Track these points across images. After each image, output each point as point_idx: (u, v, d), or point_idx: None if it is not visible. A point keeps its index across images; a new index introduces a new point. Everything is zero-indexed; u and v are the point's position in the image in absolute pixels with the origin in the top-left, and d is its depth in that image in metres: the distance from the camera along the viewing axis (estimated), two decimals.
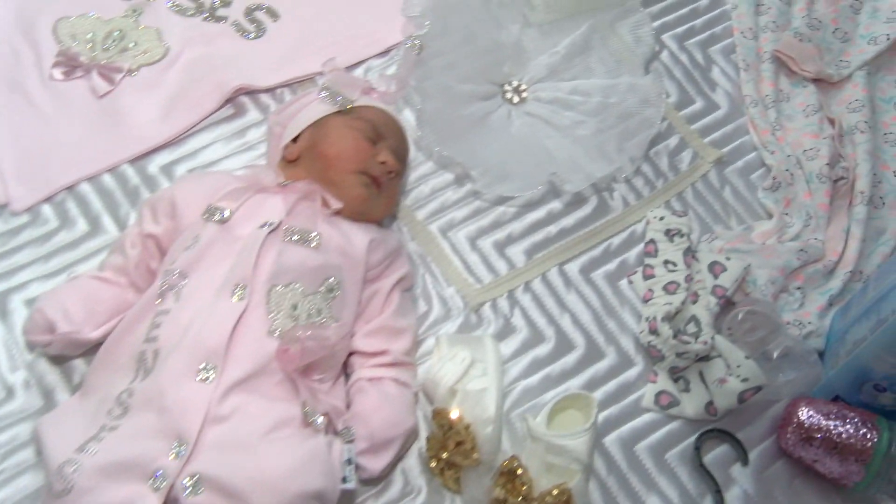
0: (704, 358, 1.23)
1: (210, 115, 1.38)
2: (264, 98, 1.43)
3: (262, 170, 1.20)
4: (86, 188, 1.31)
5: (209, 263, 1.07)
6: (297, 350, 1.01)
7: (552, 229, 1.37)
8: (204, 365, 0.98)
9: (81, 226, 1.28)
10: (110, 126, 1.34)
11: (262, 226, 1.09)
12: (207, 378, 0.98)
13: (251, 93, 1.42)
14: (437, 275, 1.31)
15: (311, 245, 1.08)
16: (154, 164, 1.35)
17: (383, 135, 1.21)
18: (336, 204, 1.15)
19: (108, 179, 1.32)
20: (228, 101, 1.40)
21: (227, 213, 1.10)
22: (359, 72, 1.47)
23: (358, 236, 1.15)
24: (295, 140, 1.23)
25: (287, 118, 1.26)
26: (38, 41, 1.38)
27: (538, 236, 1.36)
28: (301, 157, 1.20)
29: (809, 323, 1.28)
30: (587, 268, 1.35)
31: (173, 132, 1.35)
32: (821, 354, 1.26)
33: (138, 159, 1.34)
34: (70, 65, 1.37)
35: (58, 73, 1.37)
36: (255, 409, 0.98)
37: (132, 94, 1.37)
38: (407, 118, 1.40)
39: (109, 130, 1.33)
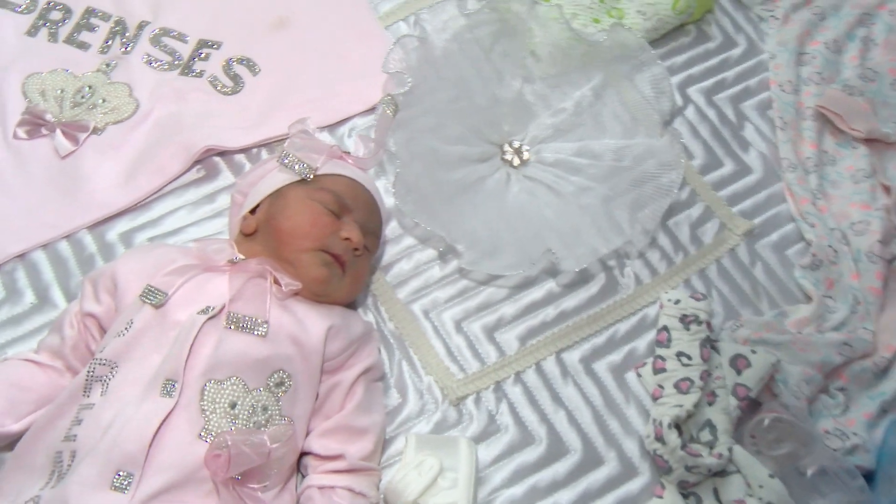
0: (721, 472, 1.08)
1: (177, 178, 1.32)
2: (240, 159, 1.36)
3: (218, 244, 1.11)
4: (38, 255, 1.26)
5: (141, 353, 1.00)
6: (225, 457, 0.92)
7: (550, 311, 1.27)
8: (120, 472, 0.91)
9: (28, 298, 1.23)
10: (70, 189, 1.30)
11: (203, 311, 1.02)
12: (123, 487, 0.90)
13: (224, 153, 1.36)
14: (416, 362, 1.22)
15: (257, 333, 1.02)
16: (113, 232, 1.29)
17: (349, 207, 1.14)
18: (291, 285, 1.07)
19: (63, 247, 1.27)
20: (198, 162, 1.34)
21: (162, 295, 1.03)
22: (342, 130, 1.39)
23: (315, 323, 1.07)
24: (253, 211, 1.16)
25: (248, 186, 1.19)
26: (5, 99, 1.35)
27: (534, 319, 1.27)
28: (258, 231, 1.14)
29: (855, 434, 1.14)
30: (589, 357, 1.25)
31: (135, 197, 1.30)
32: (868, 476, 1.10)
33: (97, 226, 1.29)
34: (35, 123, 1.34)
35: (21, 132, 1.33)
36: None
37: (96, 154, 1.33)
38: (382, 187, 1.33)
39: (69, 194, 1.29)
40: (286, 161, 1.14)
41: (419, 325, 1.24)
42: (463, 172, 1.31)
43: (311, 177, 1.14)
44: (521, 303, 1.27)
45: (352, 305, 1.22)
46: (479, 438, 1.15)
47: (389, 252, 1.30)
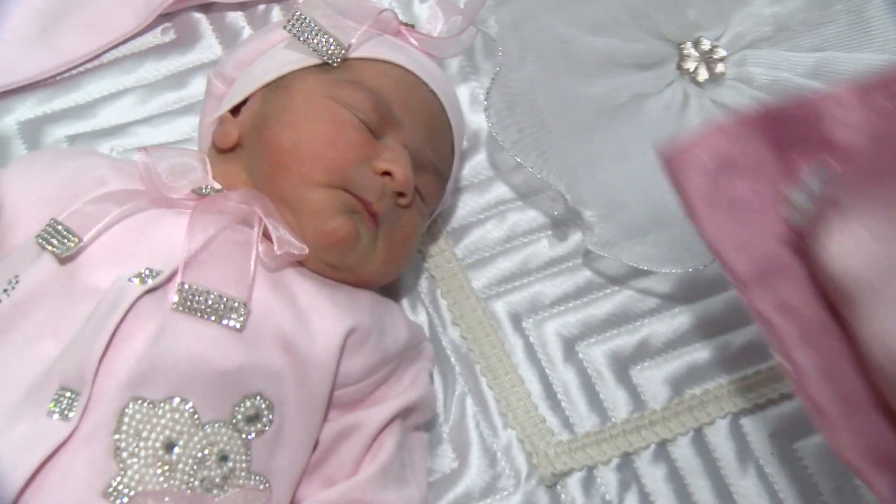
0: None
1: (127, 40, 1.28)
2: (235, 20, 1.30)
3: (179, 157, 1.07)
4: None
5: (25, 334, 0.96)
6: None
7: (731, 341, 1.17)
8: None
9: None
10: None
11: (138, 275, 0.96)
12: None
13: (211, 6, 1.29)
14: (489, 403, 1.15)
15: (227, 323, 0.96)
16: (10, 117, 1.24)
17: (396, 119, 1.07)
18: (290, 244, 1.00)
19: None
20: (165, 16, 1.28)
21: (73, 241, 0.97)
22: None
23: (326, 318, 1.00)
24: (237, 110, 1.10)
25: (235, 66, 1.14)
26: None
27: (699, 353, 1.18)
28: (242, 145, 1.08)
29: None
30: (789, 429, 1.16)
31: (53, 63, 1.26)
32: None
33: None
34: None
35: None
36: None
37: None
38: (468, 95, 1.27)
39: None
40: (298, 29, 1.07)
41: (502, 340, 1.17)
42: (609, 84, 1.22)
43: (339, 60, 1.07)
44: (680, 322, 1.19)
45: (391, 292, 1.13)
46: None
47: (465, 206, 1.23)
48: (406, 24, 1.16)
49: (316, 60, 1.08)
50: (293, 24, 1.08)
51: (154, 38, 1.29)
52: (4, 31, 1.27)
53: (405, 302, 1.19)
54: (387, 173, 1.05)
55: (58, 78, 1.26)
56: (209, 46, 1.30)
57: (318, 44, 1.08)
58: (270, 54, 1.12)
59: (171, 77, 1.27)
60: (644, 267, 1.17)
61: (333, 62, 1.08)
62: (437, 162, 1.12)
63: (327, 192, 1.03)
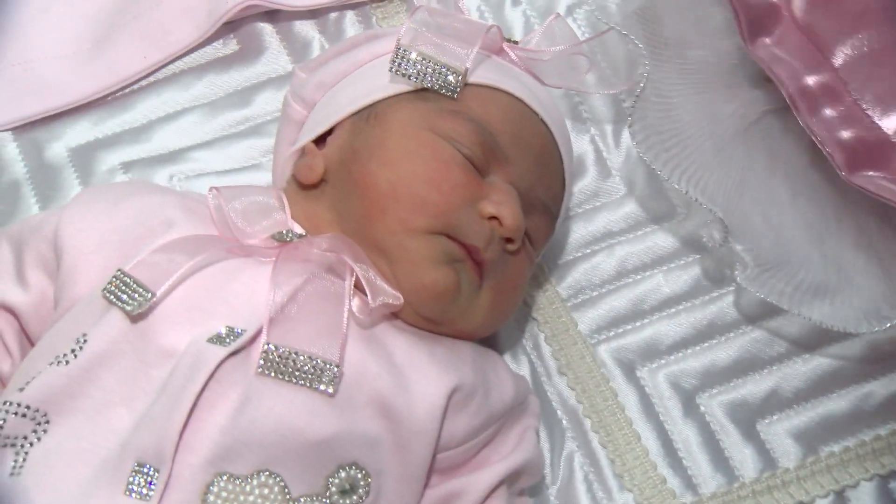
0: None
1: (185, 53, 1.27)
2: (303, 29, 1.30)
3: (254, 196, 1.05)
4: None
5: (96, 403, 0.94)
6: None
7: (872, 391, 1.16)
8: None
9: None
10: None
11: (217, 336, 0.95)
12: None
13: (276, 15, 1.30)
14: (602, 462, 1.13)
15: (319, 387, 0.94)
16: (62, 142, 1.23)
17: (505, 153, 1.06)
18: (384, 294, 0.99)
19: None
20: (229, 25, 1.28)
21: (145, 297, 0.96)
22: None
23: (427, 377, 0.99)
24: (322, 140, 1.08)
25: (316, 87, 1.12)
26: None
27: (836, 405, 1.16)
28: (329, 181, 1.06)
29: None
30: None
31: (107, 81, 1.25)
32: None
33: (28, 127, 1.23)
34: None
35: None
36: None
37: None
38: (568, 111, 1.25)
39: None
40: (405, 69, 1.06)
41: (615, 391, 1.16)
42: (738, 102, 1.20)
43: (458, 92, 1.06)
44: (813, 369, 1.17)
45: (490, 338, 1.13)
46: None
47: (568, 239, 1.22)
48: (510, 41, 1.14)
49: (416, 86, 1.07)
50: (399, 65, 1.07)
51: (214, 50, 1.29)
52: (55, 47, 1.28)
53: (505, 347, 1.18)
54: (494, 217, 1.02)
55: (109, 98, 1.27)
56: (276, 59, 1.30)
57: (432, 80, 1.07)
58: (358, 76, 1.11)
59: (233, 94, 1.27)
60: (794, 311, 1.14)
61: (454, 95, 1.07)
62: (547, 201, 1.10)
63: (428, 240, 1.02)
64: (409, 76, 1.05)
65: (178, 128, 1.24)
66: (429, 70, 1.06)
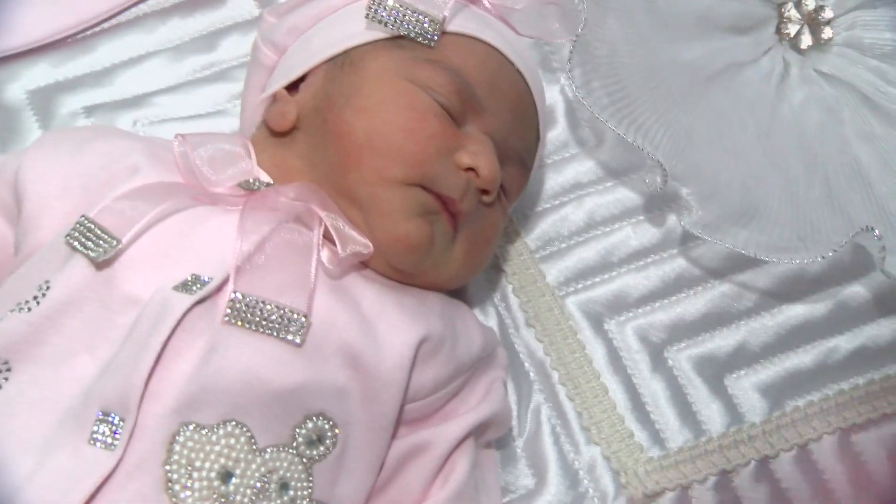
0: None
1: None
2: None
3: (221, 143, 1.05)
4: None
5: (59, 349, 0.95)
6: None
7: (839, 346, 1.18)
8: None
9: None
10: None
11: (184, 284, 0.95)
12: None
13: None
14: (569, 415, 1.14)
15: (286, 336, 0.95)
16: (19, 83, 1.22)
17: (480, 104, 1.05)
18: (356, 246, 0.99)
19: None
20: None
21: (111, 244, 0.96)
22: None
23: (396, 327, 1.00)
24: (295, 86, 1.07)
25: (290, 31, 1.11)
26: None
27: (803, 356, 1.18)
28: (301, 128, 1.05)
29: None
30: None
31: (70, 20, 1.24)
32: None
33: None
34: None
35: None
36: None
37: None
38: (538, 60, 1.25)
39: None
40: (383, 16, 1.06)
41: (583, 344, 1.17)
42: (702, 50, 1.21)
43: (435, 40, 1.06)
44: (781, 323, 1.19)
45: (459, 293, 1.13)
46: None
47: (537, 190, 1.22)
48: None
49: (391, 32, 1.07)
50: (375, 11, 1.07)
51: None
52: None
53: (473, 299, 1.17)
54: (470, 168, 1.03)
55: (70, 40, 1.25)
56: (241, 3, 1.29)
57: (408, 27, 1.06)
58: (332, 21, 1.10)
59: (199, 38, 1.26)
60: (751, 254, 1.15)
61: (430, 43, 1.06)
62: (522, 152, 1.11)
63: (403, 191, 1.02)
64: (386, 23, 1.05)
65: (141, 72, 1.24)
66: (406, 17, 1.05)
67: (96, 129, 1.18)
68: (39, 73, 1.23)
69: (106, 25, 1.25)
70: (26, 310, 0.95)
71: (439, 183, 1.02)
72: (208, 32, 1.26)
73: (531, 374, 1.15)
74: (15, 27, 1.25)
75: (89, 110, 1.21)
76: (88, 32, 1.25)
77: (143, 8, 1.26)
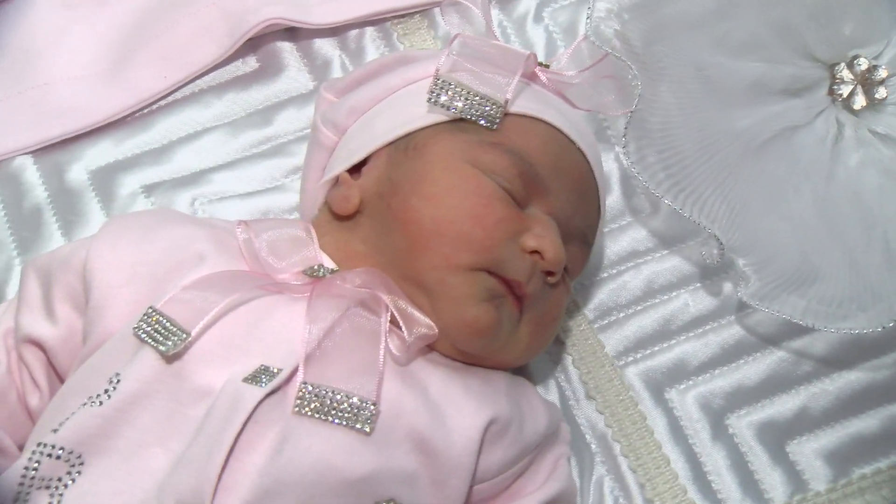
0: None
1: (206, 72, 1.27)
2: (324, 48, 1.30)
3: (282, 229, 1.05)
4: None
5: (131, 444, 0.94)
6: None
7: None
8: None
9: None
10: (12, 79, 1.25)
11: (253, 376, 0.94)
12: None
13: (297, 33, 1.29)
14: (631, 486, 1.14)
15: (356, 426, 0.94)
16: (82, 163, 1.23)
17: (544, 184, 1.05)
18: (422, 331, 0.98)
19: None
20: (251, 42, 1.28)
21: (180, 337, 0.96)
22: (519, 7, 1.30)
23: (463, 411, 0.99)
24: (357, 168, 1.07)
25: (349, 115, 1.11)
26: None
27: (866, 425, 1.16)
28: (364, 213, 1.05)
29: None
30: None
31: (127, 101, 1.25)
32: None
33: (49, 148, 1.23)
34: None
35: None
36: None
37: (59, 10, 1.28)
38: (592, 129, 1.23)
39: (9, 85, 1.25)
40: (446, 101, 1.05)
41: (644, 413, 1.16)
42: (755, 116, 1.20)
43: (498, 123, 1.05)
44: (841, 384, 1.17)
45: (520, 367, 1.13)
46: None
47: (594, 259, 1.20)
48: (542, 65, 1.13)
49: (455, 115, 1.07)
50: (438, 95, 1.07)
51: (234, 68, 1.29)
52: (73, 68, 1.27)
53: (533, 372, 1.17)
54: (535, 252, 1.02)
55: (129, 119, 1.27)
56: (297, 77, 1.29)
57: (471, 111, 1.06)
58: (392, 102, 1.10)
59: (255, 113, 1.27)
60: (808, 324, 1.14)
61: (493, 126, 1.06)
62: (585, 230, 1.10)
63: (470, 277, 1.02)
64: (448, 107, 1.05)
65: (199, 147, 1.24)
66: (468, 101, 1.06)
67: (160, 214, 1.18)
68: (100, 153, 1.24)
69: (163, 103, 1.26)
70: (98, 403, 0.95)
71: (506, 267, 1.01)
72: (264, 107, 1.26)
73: (593, 446, 1.14)
74: (75, 108, 1.25)
75: (148, 189, 1.21)
76: (146, 110, 1.26)
77: (198, 84, 1.26)
